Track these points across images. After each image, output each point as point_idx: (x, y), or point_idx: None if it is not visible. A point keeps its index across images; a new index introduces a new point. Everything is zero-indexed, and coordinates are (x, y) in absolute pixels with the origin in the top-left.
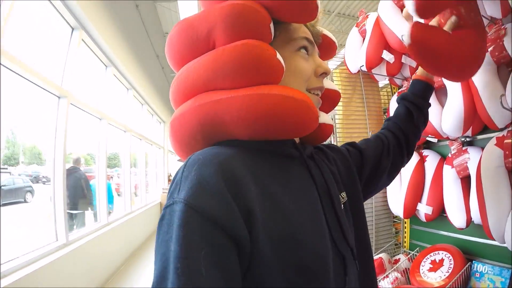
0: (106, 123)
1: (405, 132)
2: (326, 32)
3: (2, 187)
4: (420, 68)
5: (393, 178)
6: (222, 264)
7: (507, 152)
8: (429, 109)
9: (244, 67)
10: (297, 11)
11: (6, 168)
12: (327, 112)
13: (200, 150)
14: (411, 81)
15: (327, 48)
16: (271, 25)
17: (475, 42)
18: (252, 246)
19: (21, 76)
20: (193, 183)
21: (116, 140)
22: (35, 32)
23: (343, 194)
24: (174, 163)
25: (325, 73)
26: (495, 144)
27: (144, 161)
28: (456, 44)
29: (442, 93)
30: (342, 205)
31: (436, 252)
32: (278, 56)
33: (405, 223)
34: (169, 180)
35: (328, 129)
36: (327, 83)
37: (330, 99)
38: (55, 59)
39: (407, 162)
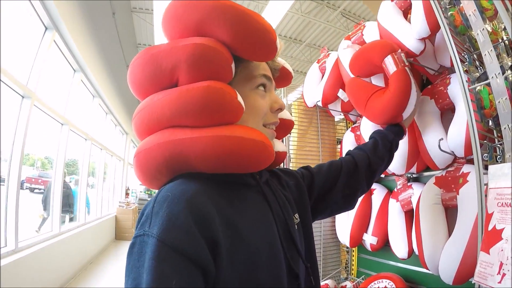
0: (67, 129)
1: (368, 160)
2: (283, 63)
3: None
4: None
5: (352, 202)
6: (184, 279)
7: (444, 191)
8: None
9: (207, 108)
10: (257, 51)
11: None
12: (280, 138)
13: (168, 186)
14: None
15: (284, 77)
16: (233, 64)
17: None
18: (216, 270)
19: None
20: (164, 219)
21: (76, 147)
22: (6, 26)
23: (296, 215)
24: (133, 177)
25: (280, 109)
26: (434, 183)
27: (103, 172)
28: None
29: None
30: (296, 226)
31: (380, 280)
32: (239, 97)
33: (353, 251)
34: (126, 194)
35: (281, 156)
36: (283, 113)
37: (284, 127)
38: (23, 56)
39: (366, 191)
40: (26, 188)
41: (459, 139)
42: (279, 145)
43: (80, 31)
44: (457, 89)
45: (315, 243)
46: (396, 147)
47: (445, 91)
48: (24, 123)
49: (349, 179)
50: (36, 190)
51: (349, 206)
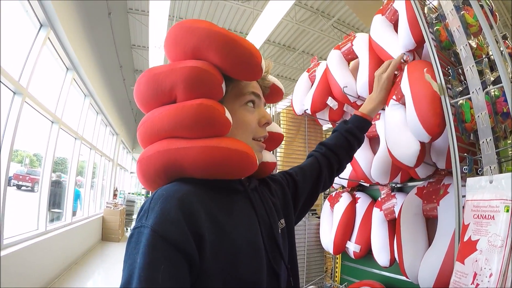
0: (57, 127)
1: (338, 159)
2: (274, 81)
3: None
4: (363, 106)
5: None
6: (175, 275)
7: (425, 202)
8: (362, 156)
9: (199, 123)
10: (244, 73)
11: None
12: (270, 150)
13: (164, 186)
14: (352, 116)
15: (275, 94)
16: (223, 84)
17: None
18: (200, 262)
19: None
20: (158, 214)
21: (65, 145)
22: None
23: (282, 221)
24: (122, 178)
25: (267, 123)
26: (415, 194)
27: (91, 172)
28: None
29: (375, 141)
30: (280, 230)
31: (362, 287)
32: (227, 113)
33: (337, 258)
34: (114, 194)
35: (270, 166)
36: (273, 127)
37: (274, 140)
38: (16, 52)
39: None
40: (13, 185)
41: (442, 151)
42: (268, 156)
43: (75, 30)
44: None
45: (298, 249)
46: (361, 136)
47: None
48: (15, 119)
49: (325, 180)
50: (23, 188)
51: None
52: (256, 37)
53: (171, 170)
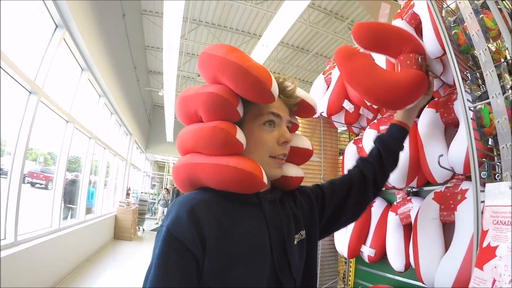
0: (72, 127)
1: (374, 171)
2: (304, 97)
3: None
4: (397, 113)
5: (360, 214)
6: (184, 266)
7: (442, 207)
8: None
9: (212, 143)
10: (255, 98)
11: None
12: (299, 164)
13: (185, 194)
14: (389, 125)
15: (305, 110)
16: (238, 107)
17: (404, 80)
18: (204, 261)
19: None
20: (173, 216)
21: (79, 144)
22: (17, 22)
23: (302, 232)
24: (135, 178)
25: (286, 142)
26: (433, 198)
27: (105, 171)
28: (372, 72)
29: None
30: (296, 241)
31: None
32: (238, 135)
33: (351, 262)
34: (127, 194)
35: (294, 181)
36: (301, 142)
37: (301, 155)
38: (32, 53)
39: (373, 199)
40: (28, 183)
41: (460, 156)
42: (292, 171)
43: (90, 31)
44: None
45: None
46: (398, 153)
47: (451, 105)
48: (30, 118)
49: (359, 195)
50: (37, 185)
51: (357, 218)
52: (270, 39)
53: (192, 180)
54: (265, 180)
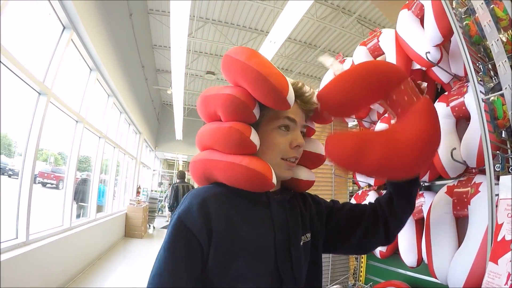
0: (82, 127)
1: (384, 213)
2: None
3: None
4: None
5: (367, 250)
6: (189, 252)
7: (455, 201)
8: None
9: (227, 143)
10: (271, 104)
11: None
12: (312, 168)
13: (200, 187)
14: None
15: (322, 117)
16: (255, 110)
17: (413, 128)
18: (209, 251)
19: (4, 65)
20: (186, 206)
21: (89, 144)
22: (25, 24)
23: (308, 235)
24: (145, 176)
25: (298, 146)
26: (446, 192)
27: (115, 170)
28: (374, 141)
29: None
30: (302, 242)
31: (388, 287)
32: (252, 136)
33: (362, 258)
34: (137, 192)
35: (306, 184)
36: (315, 147)
37: (313, 160)
38: (41, 54)
39: (385, 243)
40: (39, 183)
41: (472, 149)
42: (304, 174)
43: (98, 31)
44: (472, 98)
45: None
46: (411, 196)
47: (461, 99)
48: (40, 119)
49: (367, 227)
50: (48, 185)
51: (363, 252)
52: (277, 35)
53: (208, 175)
54: (274, 181)
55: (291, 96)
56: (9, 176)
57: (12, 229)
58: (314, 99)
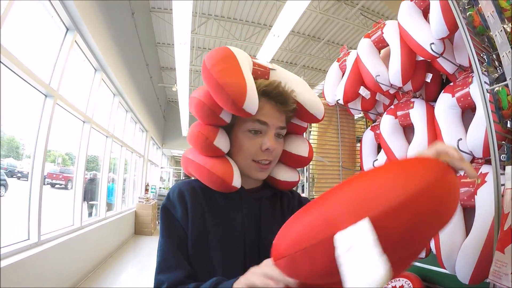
0: (89, 127)
1: None
2: (304, 103)
3: None
4: None
5: None
6: (175, 230)
7: (462, 191)
8: (397, 145)
9: (197, 146)
10: (231, 111)
11: None
12: (296, 168)
13: (184, 180)
14: None
15: (306, 116)
16: (223, 114)
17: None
18: (187, 235)
19: (10, 69)
20: (168, 195)
21: (96, 143)
22: (29, 28)
23: None
24: (153, 173)
25: (268, 149)
26: None
27: (123, 168)
28: None
29: (409, 130)
30: None
31: (397, 278)
32: (216, 141)
33: None
34: (146, 189)
35: (284, 184)
36: (297, 148)
37: (296, 161)
38: (46, 57)
39: None
40: (47, 184)
41: (478, 139)
42: (283, 175)
43: (101, 32)
44: (477, 88)
45: None
46: None
47: (466, 89)
48: (47, 121)
49: None
50: (57, 186)
51: None
52: (281, 28)
53: (188, 171)
54: (235, 184)
55: (250, 105)
56: (18, 178)
57: (24, 230)
58: (301, 97)
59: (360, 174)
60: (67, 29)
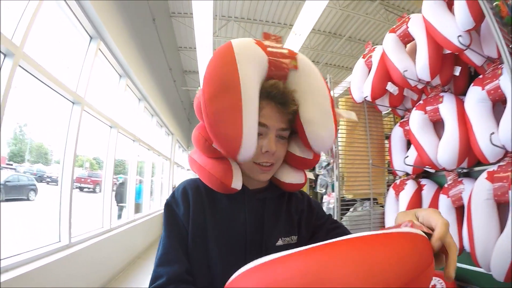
0: (116, 132)
1: None
2: (307, 129)
3: (7, 183)
4: None
5: None
6: (177, 226)
7: (496, 186)
8: (427, 140)
9: (198, 147)
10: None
11: (11, 165)
12: (301, 169)
13: (188, 178)
14: None
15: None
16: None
17: None
18: (188, 232)
19: (39, 79)
20: (172, 193)
21: (124, 148)
22: (56, 38)
23: (294, 237)
24: (180, 175)
25: (268, 151)
26: (486, 178)
27: (151, 171)
28: None
29: (440, 125)
30: (283, 243)
31: None
32: (214, 145)
33: None
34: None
35: (290, 186)
36: (300, 150)
37: (299, 163)
38: (72, 66)
39: None
40: (76, 188)
41: (510, 132)
42: (287, 177)
43: (124, 39)
44: (508, 80)
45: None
46: None
47: (496, 82)
48: (76, 128)
49: None
50: (85, 189)
51: None
52: (302, 27)
53: (193, 170)
54: (235, 186)
55: (244, 154)
56: (48, 183)
57: (55, 233)
58: (294, 98)
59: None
60: (91, 38)
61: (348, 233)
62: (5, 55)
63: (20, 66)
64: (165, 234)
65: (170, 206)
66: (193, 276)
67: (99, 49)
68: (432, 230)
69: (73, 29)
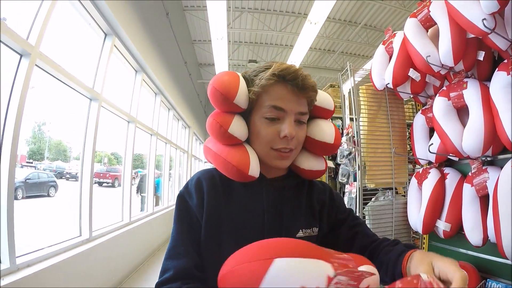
0: (134, 126)
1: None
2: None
3: (27, 181)
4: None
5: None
6: (189, 219)
7: None
8: (451, 128)
9: (213, 134)
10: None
11: (31, 163)
12: (321, 155)
13: (202, 169)
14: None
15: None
16: (237, 100)
17: None
18: (202, 224)
19: (56, 78)
20: (186, 184)
21: (141, 142)
22: (71, 37)
23: (315, 229)
24: (197, 168)
25: (286, 136)
26: None
27: (168, 164)
28: None
29: (464, 112)
30: (303, 234)
31: None
32: (231, 129)
33: (424, 239)
34: None
35: (308, 173)
36: (320, 134)
37: (320, 148)
38: (88, 63)
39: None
40: (95, 183)
41: None
42: (306, 163)
43: (138, 34)
44: None
45: (385, 229)
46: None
47: None
48: (94, 124)
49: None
50: (104, 184)
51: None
52: (317, 15)
53: (208, 159)
54: (252, 173)
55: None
56: (67, 179)
57: (76, 227)
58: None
59: None
60: (106, 35)
61: (367, 231)
62: (21, 55)
63: (37, 65)
64: (176, 226)
65: (182, 197)
66: (204, 271)
67: (114, 46)
68: (449, 283)
69: (87, 27)
